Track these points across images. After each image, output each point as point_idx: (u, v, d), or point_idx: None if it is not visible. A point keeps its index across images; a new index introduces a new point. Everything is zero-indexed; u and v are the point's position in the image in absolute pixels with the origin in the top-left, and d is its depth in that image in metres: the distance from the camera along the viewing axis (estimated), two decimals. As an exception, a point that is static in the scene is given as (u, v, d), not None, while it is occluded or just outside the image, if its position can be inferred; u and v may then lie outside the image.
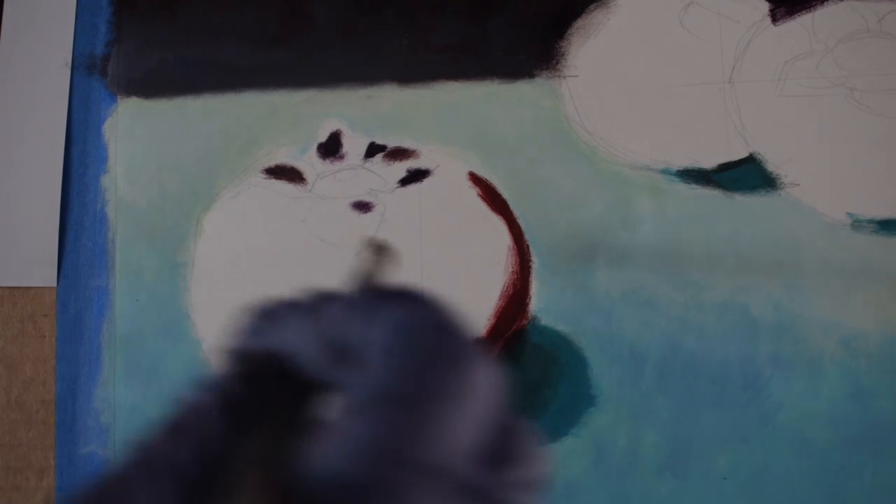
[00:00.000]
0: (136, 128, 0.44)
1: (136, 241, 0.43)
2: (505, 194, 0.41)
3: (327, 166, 0.43)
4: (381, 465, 0.13)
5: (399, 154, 0.42)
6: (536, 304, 0.40)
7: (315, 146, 0.43)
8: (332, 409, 0.14)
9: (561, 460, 0.39)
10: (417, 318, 0.16)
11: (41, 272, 0.44)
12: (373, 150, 0.42)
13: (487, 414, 0.15)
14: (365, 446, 0.14)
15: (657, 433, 0.39)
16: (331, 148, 0.43)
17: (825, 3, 0.40)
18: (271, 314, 0.17)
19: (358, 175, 0.42)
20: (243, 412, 0.15)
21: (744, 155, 0.40)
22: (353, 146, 0.43)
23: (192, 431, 0.14)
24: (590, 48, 0.42)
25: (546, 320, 0.40)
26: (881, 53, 0.40)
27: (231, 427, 0.15)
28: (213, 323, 0.42)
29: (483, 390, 0.16)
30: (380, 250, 0.33)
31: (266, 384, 0.15)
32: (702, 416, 0.39)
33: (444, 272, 0.41)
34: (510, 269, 0.41)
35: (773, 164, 0.40)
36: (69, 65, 0.45)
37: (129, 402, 0.42)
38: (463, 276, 0.41)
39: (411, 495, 0.13)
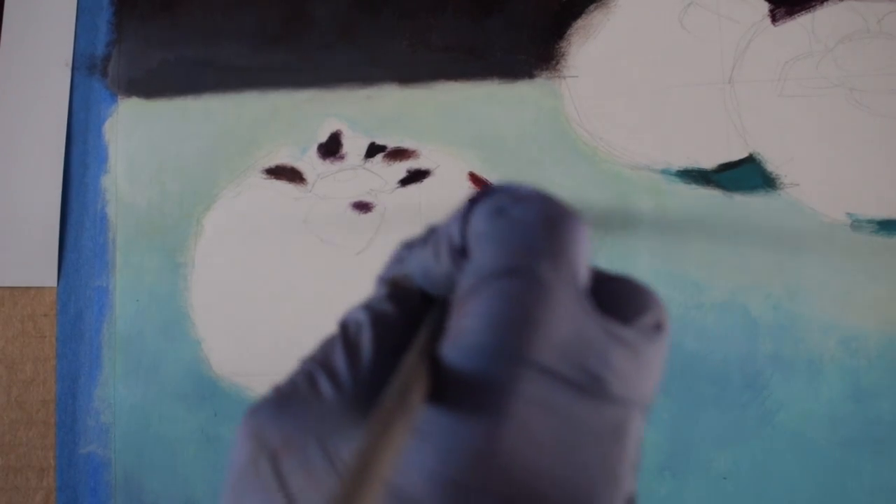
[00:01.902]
0: (136, 128, 0.44)
1: (136, 241, 0.43)
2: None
3: (327, 166, 0.43)
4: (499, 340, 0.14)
5: (399, 154, 0.42)
6: (536, 304, 0.40)
7: (315, 146, 0.43)
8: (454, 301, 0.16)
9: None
10: (503, 203, 0.17)
11: (41, 272, 0.44)
12: (373, 150, 0.42)
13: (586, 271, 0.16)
14: (479, 320, 0.15)
15: (657, 433, 0.39)
16: (331, 148, 0.43)
17: (825, 4, 0.40)
18: (409, 244, 0.19)
19: (358, 175, 0.42)
20: (392, 324, 0.17)
21: (744, 155, 0.40)
22: (354, 146, 0.43)
23: (355, 341, 0.16)
24: (590, 48, 0.42)
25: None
26: (881, 53, 0.40)
27: (383, 337, 0.16)
28: (213, 323, 0.42)
29: (581, 254, 0.16)
30: None
31: (409, 301, 0.17)
32: (702, 416, 0.39)
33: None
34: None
35: (773, 164, 0.40)
36: (69, 65, 0.45)
37: (130, 402, 0.42)
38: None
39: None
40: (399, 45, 0.43)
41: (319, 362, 0.16)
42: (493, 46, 0.42)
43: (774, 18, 0.41)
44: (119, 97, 0.45)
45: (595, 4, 0.42)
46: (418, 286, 0.18)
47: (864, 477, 0.37)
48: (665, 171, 0.40)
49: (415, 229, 0.41)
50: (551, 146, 0.41)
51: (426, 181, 0.42)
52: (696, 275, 0.40)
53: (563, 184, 0.41)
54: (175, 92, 0.44)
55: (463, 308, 0.15)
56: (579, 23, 0.42)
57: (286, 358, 0.42)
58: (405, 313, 0.17)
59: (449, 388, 0.14)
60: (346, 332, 0.17)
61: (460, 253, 0.17)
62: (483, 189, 0.17)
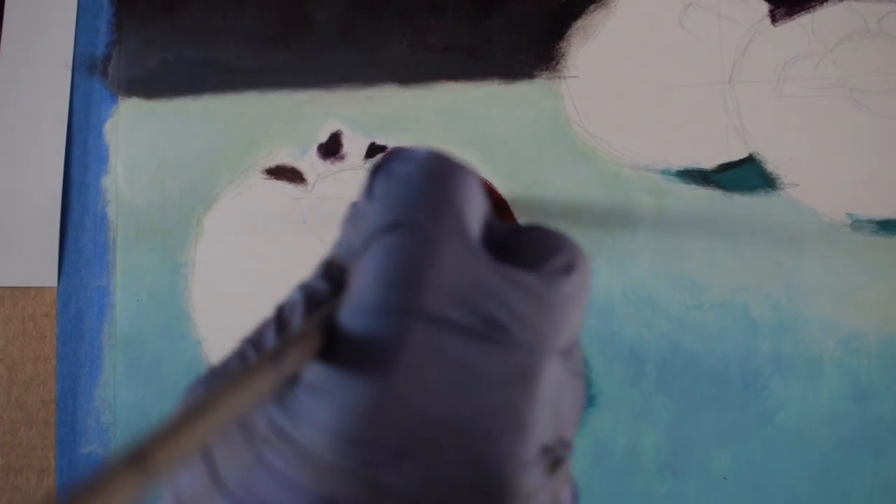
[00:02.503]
0: (136, 128, 0.44)
1: (136, 241, 0.43)
2: (505, 194, 0.41)
3: (328, 167, 0.43)
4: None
5: (399, 154, 0.42)
6: (536, 304, 0.40)
7: (315, 147, 0.43)
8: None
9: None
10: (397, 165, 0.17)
11: (41, 272, 0.44)
12: (373, 150, 0.42)
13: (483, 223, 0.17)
14: (371, 276, 0.15)
15: (657, 433, 0.39)
16: (331, 148, 0.43)
17: (825, 4, 0.40)
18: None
19: (358, 176, 0.42)
20: (324, 301, 0.17)
21: (744, 155, 0.40)
22: (354, 147, 0.43)
23: (285, 314, 0.17)
24: (590, 49, 0.42)
25: (546, 320, 0.40)
26: (881, 54, 0.40)
27: (311, 307, 0.17)
28: (213, 323, 0.42)
29: (468, 204, 0.16)
30: None
31: (342, 279, 0.18)
32: (702, 416, 0.39)
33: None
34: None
35: (773, 164, 0.40)
36: (70, 66, 0.45)
37: (130, 402, 0.42)
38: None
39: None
40: (399, 45, 0.43)
41: (252, 341, 0.17)
42: (493, 47, 0.42)
43: (774, 18, 0.41)
44: (119, 97, 0.45)
45: (595, 4, 0.42)
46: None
47: (864, 477, 0.37)
48: (665, 171, 0.40)
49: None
50: (551, 146, 0.41)
51: (426, 181, 0.42)
52: (696, 275, 0.40)
53: (563, 184, 0.41)
54: (175, 92, 0.44)
55: (355, 268, 0.16)
56: (579, 23, 0.42)
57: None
58: (338, 291, 0.17)
59: (342, 346, 0.15)
60: (281, 313, 0.17)
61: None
62: (378, 161, 0.18)
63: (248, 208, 0.43)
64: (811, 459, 0.38)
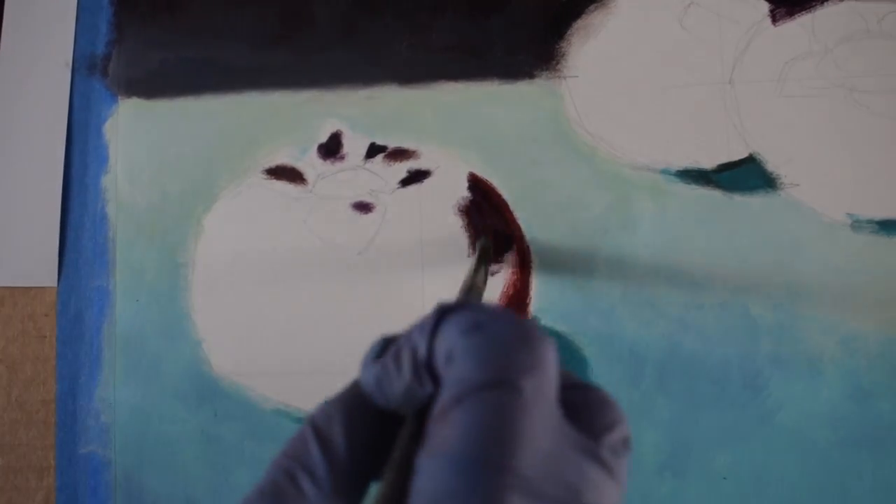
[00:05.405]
0: (136, 128, 0.44)
1: (136, 241, 0.43)
2: (505, 194, 0.41)
3: (328, 167, 0.43)
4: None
5: (399, 154, 0.42)
6: (536, 304, 0.40)
7: (315, 147, 0.43)
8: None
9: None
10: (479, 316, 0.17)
11: (41, 272, 0.44)
12: (373, 150, 0.42)
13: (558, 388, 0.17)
14: (455, 443, 0.15)
15: (657, 433, 0.39)
16: (331, 148, 0.43)
17: (825, 4, 0.40)
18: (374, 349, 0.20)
19: (358, 175, 0.42)
20: (361, 414, 0.18)
21: (744, 155, 0.40)
22: (354, 147, 0.43)
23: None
24: (590, 49, 0.42)
25: (546, 320, 0.40)
26: (881, 54, 0.40)
27: (354, 427, 0.18)
28: (213, 323, 0.42)
29: (554, 369, 0.17)
30: (485, 252, 0.35)
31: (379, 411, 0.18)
32: (702, 416, 0.39)
33: (444, 273, 0.41)
34: (510, 270, 0.41)
35: (773, 164, 0.40)
36: (69, 65, 0.45)
37: (130, 402, 0.42)
38: (463, 276, 0.41)
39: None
40: (399, 45, 0.43)
41: (294, 457, 0.17)
42: (493, 46, 0.42)
43: (774, 18, 0.41)
44: (119, 97, 0.45)
45: (595, 4, 0.42)
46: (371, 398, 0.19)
47: (864, 477, 0.37)
48: (665, 171, 0.40)
49: (415, 230, 0.41)
50: (551, 146, 0.41)
51: (426, 181, 0.42)
52: (696, 275, 0.40)
53: (563, 184, 0.41)
54: (175, 92, 0.44)
55: (445, 417, 0.16)
56: (579, 23, 0.42)
57: (286, 358, 0.43)
58: (375, 423, 0.18)
59: (424, 496, 0.15)
60: (318, 431, 0.18)
61: (425, 366, 0.17)
62: (448, 305, 0.18)
63: (248, 208, 0.43)
64: (811, 459, 0.38)
